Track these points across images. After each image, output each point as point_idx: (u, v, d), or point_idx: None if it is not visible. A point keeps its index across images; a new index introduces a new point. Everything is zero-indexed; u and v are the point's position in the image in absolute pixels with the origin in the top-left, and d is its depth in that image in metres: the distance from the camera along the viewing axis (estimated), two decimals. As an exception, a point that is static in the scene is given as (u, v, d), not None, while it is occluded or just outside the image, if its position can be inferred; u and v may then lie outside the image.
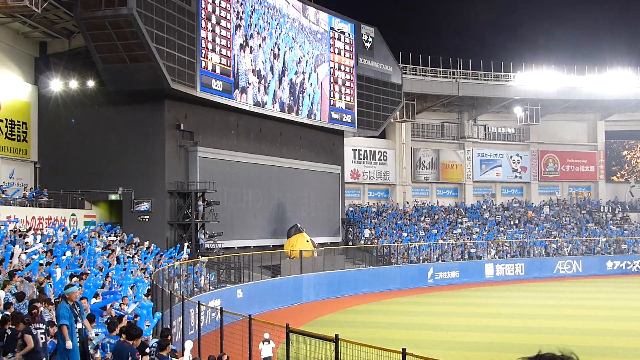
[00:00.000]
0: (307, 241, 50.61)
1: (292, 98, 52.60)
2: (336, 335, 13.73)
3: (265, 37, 50.16)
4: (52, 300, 17.81)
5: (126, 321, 17.22)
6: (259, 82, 48.99)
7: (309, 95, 54.68)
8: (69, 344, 13.77)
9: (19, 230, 31.08)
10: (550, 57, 77.82)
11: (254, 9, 48.79)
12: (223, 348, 21.49)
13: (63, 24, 43.04)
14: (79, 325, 14.08)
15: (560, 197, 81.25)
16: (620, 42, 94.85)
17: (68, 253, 24.49)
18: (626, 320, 36.95)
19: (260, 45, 49.41)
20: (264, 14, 50.02)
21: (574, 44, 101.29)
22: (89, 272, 23.38)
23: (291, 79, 52.79)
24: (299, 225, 51.29)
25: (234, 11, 46.34)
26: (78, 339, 13.97)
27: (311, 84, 54.98)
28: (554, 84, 73.65)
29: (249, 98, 47.90)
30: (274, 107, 50.65)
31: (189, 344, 20.95)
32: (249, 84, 47.91)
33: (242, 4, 47.37)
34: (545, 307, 42.98)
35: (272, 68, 50.62)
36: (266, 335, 23.10)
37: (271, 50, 50.77)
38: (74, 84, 43.27)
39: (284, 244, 50.93)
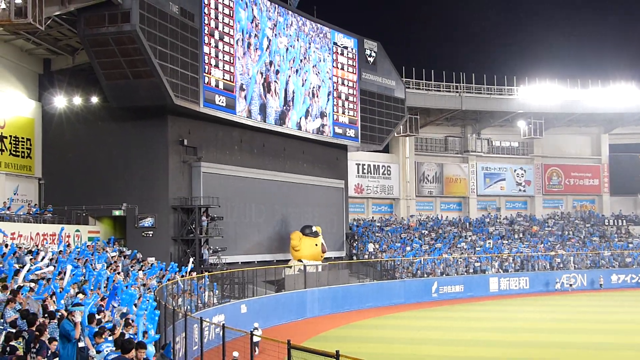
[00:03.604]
0: (316, 245, 50.80)
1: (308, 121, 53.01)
2: (337, 351, 13.71)
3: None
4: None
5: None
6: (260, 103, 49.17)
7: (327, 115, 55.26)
8: (92, 352, 13.84)
9: (23, 247, 31.13)
10: (553, 71, 78.10)
11: (257, 23, 49.02)
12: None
13: (67, 41, 43.21)
14: (81, 344, 14.13)
15: (565, 210, 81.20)
16: (624, 55, 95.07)
17: (69, 266, 24.44)
18: (630, 333, 36.85)
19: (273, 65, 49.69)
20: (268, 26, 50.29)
21: (577, 57, 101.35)
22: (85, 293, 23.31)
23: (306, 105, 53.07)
24: (313, 228, 51.42)
25: (239, 27, 46.58)
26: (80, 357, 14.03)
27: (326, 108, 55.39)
28: (557, 97, 73.76)
29: (252, 114, 48.03)
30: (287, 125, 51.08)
31: None
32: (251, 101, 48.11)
33: (253, 20, 47.67)
34: (550, 321, 42.87)
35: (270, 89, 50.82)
36: (235, 354, 22.98)
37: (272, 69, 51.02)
38: (77, 100, 43.45)
39: (288, 259, 50.96)
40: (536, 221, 77.21)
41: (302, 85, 54.21)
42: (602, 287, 62.39)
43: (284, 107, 51.81)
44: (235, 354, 23.23)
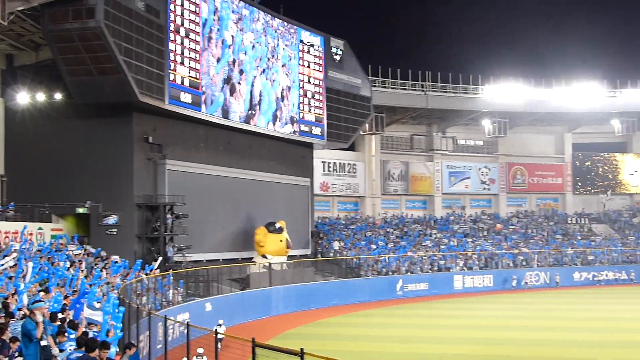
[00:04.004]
0: (281, 240, 50.79)
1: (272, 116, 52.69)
2: (301, 349, 13.74)
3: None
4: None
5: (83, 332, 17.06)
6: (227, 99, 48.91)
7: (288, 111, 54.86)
8: (55, 351, 13.70)
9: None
10: (518, 70, 78.51)
11: (219, 17, 48.73)
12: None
13: (30, 37, 42.75)
14: (44, 342, 13.97)
15: (528, 209, 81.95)
16: (587, 55, 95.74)
17: (30, 264, 24.24)
18: (593, 331, 37.23)
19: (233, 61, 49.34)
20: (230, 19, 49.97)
21: (541, 57, 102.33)
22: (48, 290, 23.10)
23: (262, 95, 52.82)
24: (277, 225, 51.38)
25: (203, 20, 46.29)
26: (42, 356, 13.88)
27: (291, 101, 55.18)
28: (521, 96, 74.41)
29: (216, 111, 47.80)
30: (252, 122, 50.70)
31: None
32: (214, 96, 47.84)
33: (216, 12, 47.37)
34: (513, 318, 43.30)
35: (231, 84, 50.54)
36: (200, 350, 23.11)
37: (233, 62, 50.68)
38: (41, 96, 42.94)
39: (253, 257, 50.91)
40: (500, 219, 77.87)
41: (271, 87, 54.00)
42: (558, 284, 62.99)
43: (249, 112, 51.36)
44: (200, 350, 23.24)
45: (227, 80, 49.05)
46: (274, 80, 54.21)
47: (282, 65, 55.34)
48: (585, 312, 46.34)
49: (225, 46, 48.91)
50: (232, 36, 49.86)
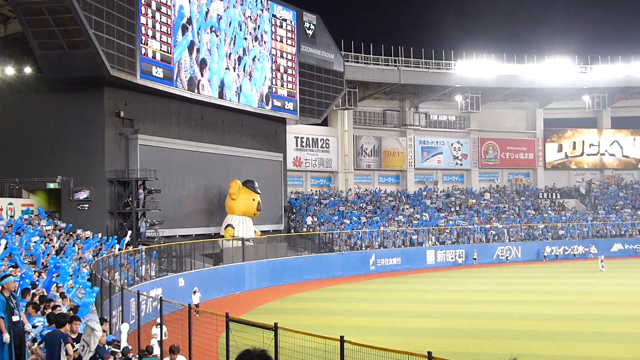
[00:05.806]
0: (253, 200, 50.56)
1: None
2: (275, 324, 13.80)
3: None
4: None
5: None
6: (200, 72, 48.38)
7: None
8: (6, 337, 13.51)
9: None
10: (490, 46, 78.88)
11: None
12: (163, 337, 21.44)
13: (-2, 9, 42.15)
14: (16, 318, 13.79)
15: (500, 184, 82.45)
16: (559, 31, 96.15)
17: (3, 241, 24.02)
18: (562, 304, 37.65)
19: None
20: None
21: (513, 32, 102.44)
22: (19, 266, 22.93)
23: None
24: (256, 185, 51.26)
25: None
26: (14, 332, 13.71)
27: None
28: (493, 72, 74.64)
29: (185, 84, 47.36)
30: (230, 98, 50.27)
31: (125, 327, 20.98)
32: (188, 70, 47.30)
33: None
34: (485, 292, 43.64)
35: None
36: (157, 320, 23.18)
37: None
38: (10, 70, 42.36)
39: (224, 232, 50.79)
40: (472, 194, 78.27)
41: (250, 80, 53.28)
42: (508, 260, 63.77)
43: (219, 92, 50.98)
44: (158, 319, 23.22)
45: (180, 72, 47.00)
46: (253, 71, 53.25)
47: (272, 52, 54.15)
48: (552, 285, 46.77)
49: (180, 16, 47.13)
50: (190, 3, 48.52)
